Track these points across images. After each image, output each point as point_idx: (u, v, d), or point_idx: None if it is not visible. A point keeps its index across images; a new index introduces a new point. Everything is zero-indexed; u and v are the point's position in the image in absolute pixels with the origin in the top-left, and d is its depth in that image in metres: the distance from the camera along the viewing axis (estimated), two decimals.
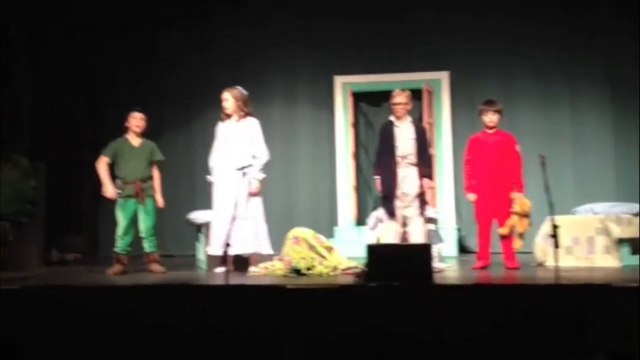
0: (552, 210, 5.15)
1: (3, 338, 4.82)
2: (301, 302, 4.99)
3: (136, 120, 6.82)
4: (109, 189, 6.70)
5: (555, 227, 5.02)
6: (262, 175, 6.78)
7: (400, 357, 4.73)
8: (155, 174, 6.84)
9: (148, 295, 5.21)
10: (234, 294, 4.92)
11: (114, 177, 6.80)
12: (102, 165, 6.79)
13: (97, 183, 9.18)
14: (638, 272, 5.58)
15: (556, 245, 4.98)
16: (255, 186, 6.68)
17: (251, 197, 6.64)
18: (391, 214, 6.63)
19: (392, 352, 4.75)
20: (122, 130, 6.86)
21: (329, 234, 8.60)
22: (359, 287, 5.28)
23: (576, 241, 6.69)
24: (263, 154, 6.82)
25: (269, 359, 4.74)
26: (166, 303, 5.05)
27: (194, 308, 4.97)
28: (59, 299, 5.15)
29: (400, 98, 6.67)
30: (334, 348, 4.80)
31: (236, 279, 5.61)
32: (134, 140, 6.85)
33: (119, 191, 6.70)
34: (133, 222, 6.72)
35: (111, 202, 6.86)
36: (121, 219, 6.70)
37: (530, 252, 6.95)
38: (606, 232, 6.60)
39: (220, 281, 5.72)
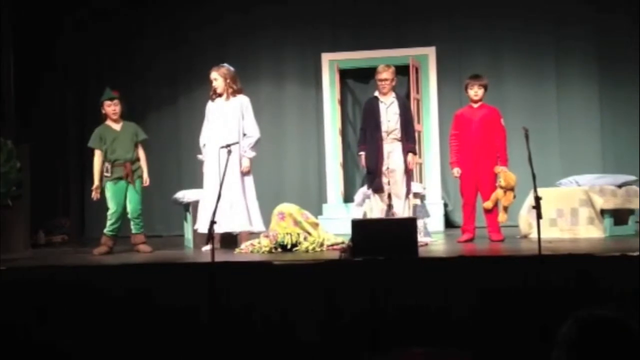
0: (534, 182, 5.16)
1: None
2: (287, 278, 5.02)
3: (111, 108, 6.77)
4: (96, 187, 6.65)
5: (537, 198, 5.03)
6: (252, 154, 6.77)
7: (387, 330, 4.77)
8: (141, 154, 6.79)
9: (134, 274, 5.25)
10: (218, 271, 4.93)
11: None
12: (97, 160, 6.70)
13: (83, 165, 9.25)
14: (621, 243, 5.62)
15: (539, 217, 4.99)
16: (245, 164, 6.68)
17: (242, 175, 6.64)
18: (377, 189, 6.65)
19: (379, 325, 4.80)
20: (102, 118, 6.84)
21: (318, 211, 8.61)
22: (344, 262, 5.30)
23: (560, 213, 6.72)
24: (254, 132, 6.80)
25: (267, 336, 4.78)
26: (152, 281, 5.09)
27: (180, 285, 5.01)
28: (45, 279, 5.19)
29: (385, 74, 6.67)
30: (322, 323, 4.84)
31: (222, 257, 5.61)
32: (115, 125, 6.79)
33: (108, 174, 6.66)
34: (124, 204, 6.69)
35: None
36: (112, 202, 6.65)
37: (516, 226, 6.98)
38: (590, 203, 6.64)
39: (204, 259, 5.74)
